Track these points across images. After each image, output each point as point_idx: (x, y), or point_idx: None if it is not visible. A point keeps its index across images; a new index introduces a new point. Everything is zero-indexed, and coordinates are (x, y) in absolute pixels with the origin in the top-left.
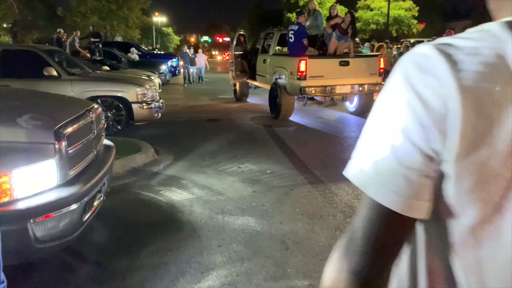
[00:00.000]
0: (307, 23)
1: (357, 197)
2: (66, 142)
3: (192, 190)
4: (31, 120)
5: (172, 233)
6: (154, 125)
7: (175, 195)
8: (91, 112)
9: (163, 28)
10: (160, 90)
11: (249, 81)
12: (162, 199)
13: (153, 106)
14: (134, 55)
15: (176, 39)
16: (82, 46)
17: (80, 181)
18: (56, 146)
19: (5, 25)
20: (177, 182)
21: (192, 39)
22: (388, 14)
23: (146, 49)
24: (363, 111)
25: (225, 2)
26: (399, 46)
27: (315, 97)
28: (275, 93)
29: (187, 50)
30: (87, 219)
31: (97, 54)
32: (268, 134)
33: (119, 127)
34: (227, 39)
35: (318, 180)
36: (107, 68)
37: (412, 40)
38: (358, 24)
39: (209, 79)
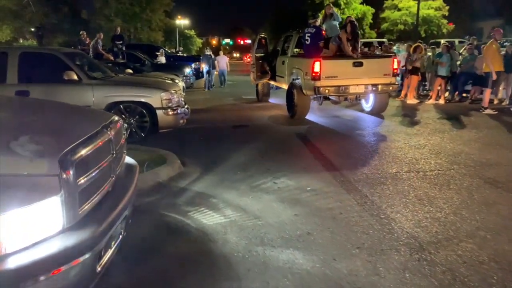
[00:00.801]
0: (324, 26)
1: (419, 224)
2: (75, 172)
3: (224, 211)
4: (29, 143)
5: (205, 272)
6: (179, 133)
7: (205, 218)
8: (109, 128)
9: (186, 31)
10: (184, 94)
11: (270, 82)
12: (191, 223)
13: (178, 112)
14: (162, 57)
15: (198, 41)
16: (105, 48)
17: (93, 220)
18: (63, 177)
19: (32, 29)
20: (207, 201)
21: (214, 42)
22: (417, 14)
23: (169, 51)
24: (378, 111)
25: (247, 4)
26: (433, 47)
27: (330, 97)
28: (292, 93)
29: (210, 52)
30: (102, 268)
31: (120, 57)
32: (300, 141)
33: (142, 134)
34: (249, 41)
35: (368, 200)
36: (130, 71)
37: (442, 41)
38: (385, 25)
39: (232, 81)
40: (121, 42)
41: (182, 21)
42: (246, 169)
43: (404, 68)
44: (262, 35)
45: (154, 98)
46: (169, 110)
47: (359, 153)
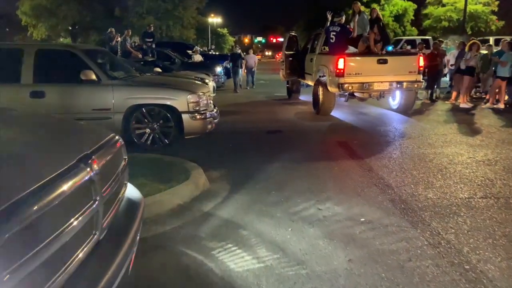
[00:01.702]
0: (352, 24)
1: None
2: (18, 243)
3: (257, 250)
4: None
5: None
6: (207, 139)
7: (233, 261)
8: (92, 160)
9: (218, 29)
10: (215, 94)
11: (299, 79)
12: (214, 267)
13: (206, 116)
14: (197, 55)
15: (230, 40)
16: (134, 46)
17: None
18: None
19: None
20: (236, 234)
21: (246, 40)
22: (465, 8)
23: (200, 49)
24: (405, 109)
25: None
26: (490, 44)
27: (355, 94)
28: (317, 89)
29: (239, 50)
30: None
31: (150, 55)
32: (340, 150)
33: (166, 141)
34: (281, 39)
35: (443, 240)
36: (158, 69)
37: (491, 38)
38: (427, 21)
39: (264, 80)
40: (151, 39)
41: (214, 20)
42: (282, 187)
43: (452, 67)
44: (292, 33)
45: (179, 101)
46: (196, 114)
47: (415, 169)
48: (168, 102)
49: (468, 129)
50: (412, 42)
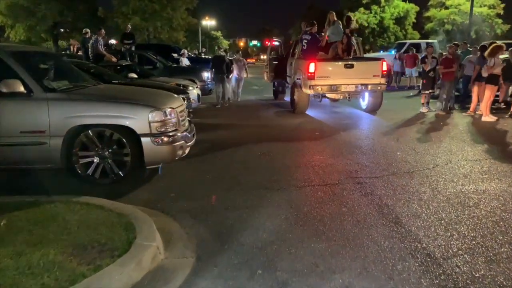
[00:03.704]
0: (328, 32)
1: None
2: None
3: None
4: None
5: None
6: (177, 167)
7: None
8: None
9: (212, 32)
10: (200, 103)
11: (283, 81)
12: None
13: (176, 140)
14: (185, 59)
15: (225, 43)
16: (113, 49)
17: None
18: None
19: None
20: None
21: (241, 43)
22: (471, 11)
23: (191, 54)
24: (373, 109)
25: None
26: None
27: (327, 95)
28: (293, 90)
29: (223, 53)
30: None
31: (128, 59)
32: (352, 191)
33: (121, 173)
34: (276, 43)
35: None
36: (134, 75)
37: (499, 43)
38: (429, 25)
39: (258, 86)
40: (130, 41)
41: (208, 22)
42: (274, 260)
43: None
44: (276, 39)
45: (138, 120)
46: (161, 137)
47: (461, 222)
48: (124, 122)
49: (505, 151)
50: (416, 46)
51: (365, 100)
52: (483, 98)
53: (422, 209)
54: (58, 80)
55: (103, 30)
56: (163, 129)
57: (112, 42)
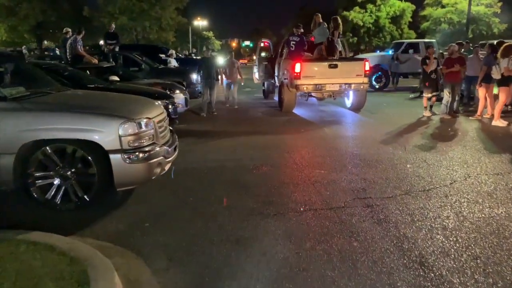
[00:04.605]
0: (315, 33)
1: None
2: None
3: None
4: None
5: None
6: (153, 189)
7: None
8: None
9: (204, 32)
10: (187, 108)
11: (273, 81)
12: None
13: (153, 156)
14: (173, 59)
15: (217, 43)
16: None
17: None
18: None
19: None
20: None
21: (234, 44)
22: (469, 10)
23: (180, 55)
24: (357, 107)
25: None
26: None
27: (312, 94)
28: (281, 90)
29: (210, 54)
30: None
31: (111, 60)
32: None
33: (86, 197)
34: (266, 44)
35: None
36: (116, 78)
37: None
38: (425, 24)
39: (251, 88)
40: (114, 41)
41: (200, 22)
42: None
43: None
44: (265, 40)
45: (106, 134)
46: (135, 153)
47: (504, 262)
48: (88, 136)
49: None
50: (415, 46)
51: (350, 99)
52: (492, 100)
53: (449, 242)
54: (15, 85)
55: (82, 30)
56: (137, 144)
57: (102, 43)
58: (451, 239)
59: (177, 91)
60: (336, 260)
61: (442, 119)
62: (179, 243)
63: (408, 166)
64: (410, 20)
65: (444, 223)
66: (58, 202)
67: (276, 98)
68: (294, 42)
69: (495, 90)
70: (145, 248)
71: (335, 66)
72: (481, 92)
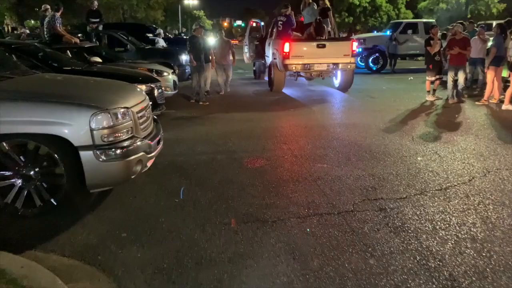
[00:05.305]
0: (304, 13)
1: None
2: None
3: None
4: None
5: None
6: (133, 189)
7: None
8: None
9: (194, 11)
10: (176, 92)
11: (263, 61)
12: None
13: (132, 152)
14: (161, 39)
15: (208, 23)
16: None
17: None
18: None
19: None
20: None
21: (225, 24)
22: None
23: (170, 34)
24: (345, 87)
25: None
26: None
27: (301, 74)
28: (271, 69)
29: (199, 33)
30: None
31: (95, 39)
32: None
33: (53, 201)
34: (262, 23)
35: None
36: (98, 59)
37: (494, 23)
38: (423, 4)
39: (242, 69)
40: (97, 20)
41: (191, 1)
42: None
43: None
44: (255, 20)
45: (75, 127)
46: (110, 149)
47: None
48: (53, 130)
49: None
50: (413, 26)
51: (338, 79)
52: (500, 84)
53: (483, 259)
54: None
55: (61, 6)
56: (112, 138)
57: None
58: (483, 254)
59: (165, 73)
60: (352, 285)
61: (447, 104)
62: (160, 261)
63: (418, 159)
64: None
65: (471, 232)
66: (20, 207)
67: (266, 78)
68: (281, 22)
69: (504, 73)
70: (120, 268)
71: (323, 46)
72: (489, 75)
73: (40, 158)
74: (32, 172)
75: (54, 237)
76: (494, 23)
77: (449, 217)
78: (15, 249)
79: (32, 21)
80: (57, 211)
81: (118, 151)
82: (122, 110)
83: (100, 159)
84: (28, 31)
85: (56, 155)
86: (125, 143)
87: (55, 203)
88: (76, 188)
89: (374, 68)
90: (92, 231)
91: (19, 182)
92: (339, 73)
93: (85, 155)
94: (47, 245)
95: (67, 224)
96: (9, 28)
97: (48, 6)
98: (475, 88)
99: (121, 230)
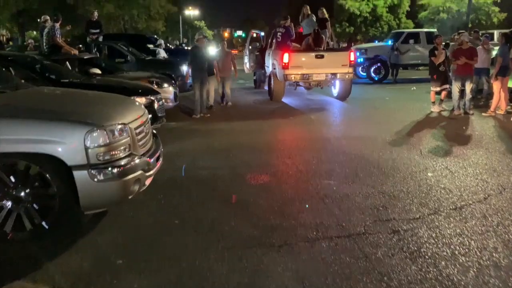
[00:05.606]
0: (303, 24)
1: None
2: None
3: None
4: None
5: None
6: (131, 208)
7: None
8: None
9: (195, 22)
10: (177, 103)
11: (263, 71)
12: None
13: (129, 169)
14: (162, 51)
15: (209, 33)
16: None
17: None
18: None
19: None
20: None
21: (226, 34)
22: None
23: (170, 45)
24: (343, 96)
25: None
26: None
27: (300, 84)
28: (270, 79)
29: (201, 42)
30: None
31: (94, 51)
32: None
33: (44, 224)
34: (262, 33)
35: None
36: (97, 71)
37: (495, 32)
38: (423, 13)
39: (244, 80)
40: (97, 31)
41: (192, 12)
42: None
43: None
44: (256, 31)
45: (68, 145)
46: (106, 168)
47: None
48: (45, 149)
49: None
50: (415, 36)
51: (336, 88)
52: (506, 95)
53: None
54: None
55: (60, 17)
56: (108, 157)
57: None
58: (510, 284)
59: (166, 85)
60: None
61: (453, 116)
62: None
63: (429, 174)
64: (408, 9)
65: (493, 258)
66: (8, 231)
67: (266, 87)
68: (280, 34)
69: (510, 83)
70: None
71: (322, 56)
72: (495, 85)
73: (31, 178)
74: (22, 194)
75: (44, 264)
76: (496, 32)
77: (467, 241)
78: (1, 278)
79: (34, 32)
80: (48, 235)
81: (115, 170)
82: (119, 126)
83: (95, 179)
84: (33, 42)
85: (48, 175)
86: (122, 162)
87: (46, 227)
88: (69, 210)
89: (376, 78)
90: (85, 258)
91: (8, 204)
92: (337, 82)
93: (79, 175)
94: (36, 274)
95: (59, 249)
96: (4, 38)
97: (48, 17)
98: (480, 99)
99: (117, 256)
